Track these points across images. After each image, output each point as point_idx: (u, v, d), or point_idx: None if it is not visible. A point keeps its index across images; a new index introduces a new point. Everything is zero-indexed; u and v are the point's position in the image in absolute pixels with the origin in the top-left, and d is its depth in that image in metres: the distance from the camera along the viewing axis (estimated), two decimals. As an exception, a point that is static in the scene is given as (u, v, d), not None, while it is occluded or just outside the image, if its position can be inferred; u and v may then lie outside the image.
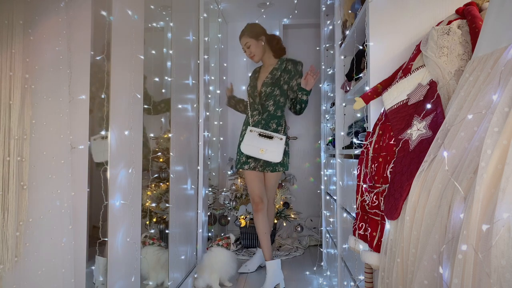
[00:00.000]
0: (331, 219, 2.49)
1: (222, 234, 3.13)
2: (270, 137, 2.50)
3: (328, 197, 2.71)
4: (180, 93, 2.43)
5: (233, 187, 3.53)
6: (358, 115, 2.03)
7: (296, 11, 3.54)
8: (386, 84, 1.43)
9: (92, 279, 1.56)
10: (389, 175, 1.15)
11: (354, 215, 1.62)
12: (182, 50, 2.49)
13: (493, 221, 0.65)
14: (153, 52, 2.07)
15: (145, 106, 1.82)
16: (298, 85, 2.63)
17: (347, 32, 2.08)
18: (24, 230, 1.13)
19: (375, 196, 1.21)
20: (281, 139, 2.50)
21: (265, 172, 2.65)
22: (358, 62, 1.85)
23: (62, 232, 1.23)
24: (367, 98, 1.47)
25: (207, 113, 3.07)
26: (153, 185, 2.51)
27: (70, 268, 1.24)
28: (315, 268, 2.95)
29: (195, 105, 2.80)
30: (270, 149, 2.46)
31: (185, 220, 2.54)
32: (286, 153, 2.62)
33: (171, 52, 2.28)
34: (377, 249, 1.16)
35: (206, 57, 3.00)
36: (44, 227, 1.19)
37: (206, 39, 3.03)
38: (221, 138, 3.74)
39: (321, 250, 3.02)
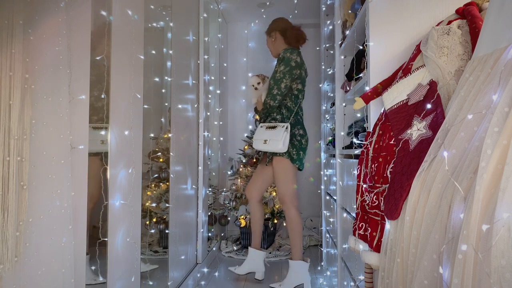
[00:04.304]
0: (331, 219, 2.49)
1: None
2: (274, 127, 2.42)
3: (328, 197, 2.71)
4: (180, 93, 2.43)
5: (233, 187, 3.53)
6: (358, 115, 2.03)
7: (296, 11, 3.54)
8: (386, 84, 1.42)
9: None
10: (389, 175, 1.15)
11: (354, 215, 1.61)
12: (182, 50, 2.49)
13: (493, 221, 0.65)
14: (153, 52, 2.06)
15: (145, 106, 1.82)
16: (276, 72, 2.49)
17: (347, 32, 2.08)
18: (24, 230, 1.13)
19: (375, 196, 1.21)
20: (283, 126, 2.39)
21: (269, 164, 2.56)
22: (358, 62, 1.85)
23: (62, 232, 1.23)
24: (367, 98, 1.47)
25: (207, 113, 3.07)
26: (153, 185, 2.51)
27: (70, 268, 1.24)
28: (319, 268, 2.95)
29: (195, 105, 2.80)
30: (272, 138, 2.37)
31: (185, 220, 2.54)
32: (294, 146, 2.45)
33: (171, 52, 2.28)
34: (377, 249, 1.16)
35: (206, 57, 3.00)
36: (44, 227, 1.19)
37: (206, 39, 3.03)
38: (221, 138, 3.74)
39: (321, 250, 3.02)
